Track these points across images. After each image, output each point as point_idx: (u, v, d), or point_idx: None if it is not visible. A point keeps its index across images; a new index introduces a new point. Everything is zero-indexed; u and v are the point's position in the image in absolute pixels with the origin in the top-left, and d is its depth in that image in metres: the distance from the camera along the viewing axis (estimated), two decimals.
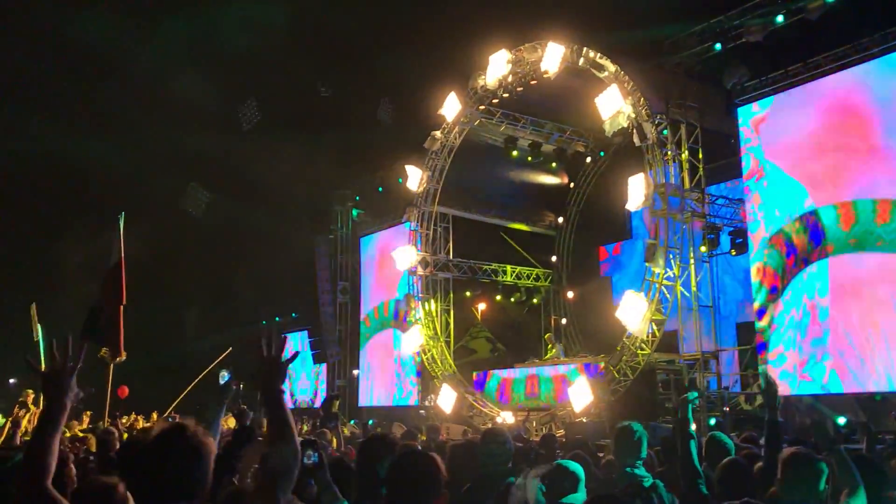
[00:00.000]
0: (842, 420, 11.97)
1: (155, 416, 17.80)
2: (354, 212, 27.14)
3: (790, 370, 14.83)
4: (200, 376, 15.97)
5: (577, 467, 4.36)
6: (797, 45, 15.21)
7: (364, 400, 25.52)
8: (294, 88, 26.24)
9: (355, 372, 26.31)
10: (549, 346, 21.34)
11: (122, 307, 10.46)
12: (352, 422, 20.15)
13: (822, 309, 14.49)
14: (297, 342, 30.47)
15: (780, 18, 14.69)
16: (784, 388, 14.66)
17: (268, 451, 2.34)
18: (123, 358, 10.50)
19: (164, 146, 25.98)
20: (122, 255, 10.84)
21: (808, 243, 14.86)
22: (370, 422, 18.11)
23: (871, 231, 13.89)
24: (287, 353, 2.48)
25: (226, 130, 25.38)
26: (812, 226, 14.84)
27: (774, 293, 15.37)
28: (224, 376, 19.26)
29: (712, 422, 14.24)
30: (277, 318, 31.92)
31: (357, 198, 27.05)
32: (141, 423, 16.67)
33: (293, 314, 30.75)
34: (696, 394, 4.61)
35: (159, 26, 24.64)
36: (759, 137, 15.93)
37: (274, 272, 28.93)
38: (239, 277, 30.23)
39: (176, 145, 25.30)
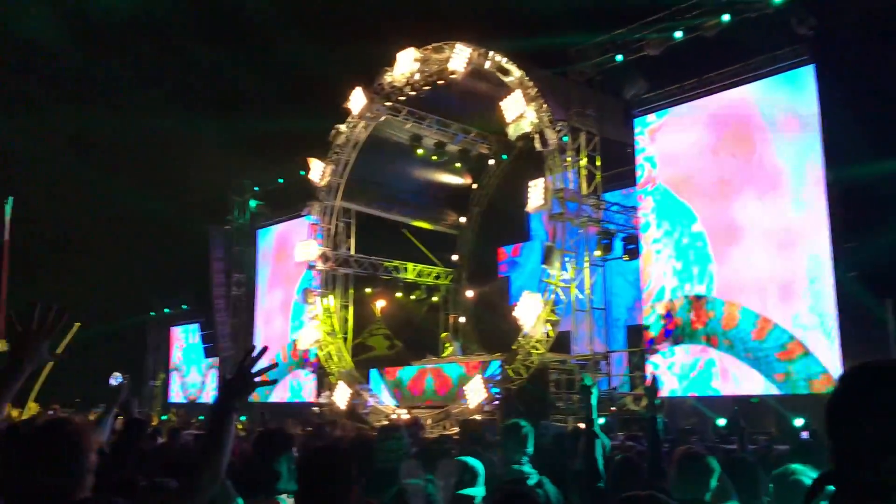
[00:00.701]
0: (721, 422, 12.59)
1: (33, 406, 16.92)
2: (253, 203, 26.53)
3: (676, 371, 15.46)
4: (51, 364, 15.21)
5: (476, 462, 4.42)
6: (693, 61, 15.87)
7: (257, 396, 25.01)
8: (196, 72, 25.47)
9: None
10: (447, 344, 21.54)
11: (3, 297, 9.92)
12: (242, 418, 19.71)
13: (710, 313, 15.17)
14: (187, 335, 29.61)
15: (678, 34, 15.30)
16: (668, 390, 15.29)
17: (197, 476, 2.23)
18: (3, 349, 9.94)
19: (55, 129, 24.73)
20: (6, 238, 10.28)
21: (694, 256, 15.54)
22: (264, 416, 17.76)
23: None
24: (261, 365, 2.36)
25: (121, 113, 24.38)
26: (699, 229, 15.52)
27: (662, 298, 15.98)
28: (116, 377, 18.50)
29: (601, 421, 14.67)
30: (167, 311, 30.91)
31: (256, 188, 26.45)
32: (16, 414, 15.80)
33: (184, 306, 29.83)
34: (596, 394, 4.67)
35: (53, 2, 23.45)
36: (654, 148, 16.55)
37: (166, 261, 27.99)
38: (129, 265, 29.08)
39: (67, 128, 24.13)
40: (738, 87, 15.26)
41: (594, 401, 4.45)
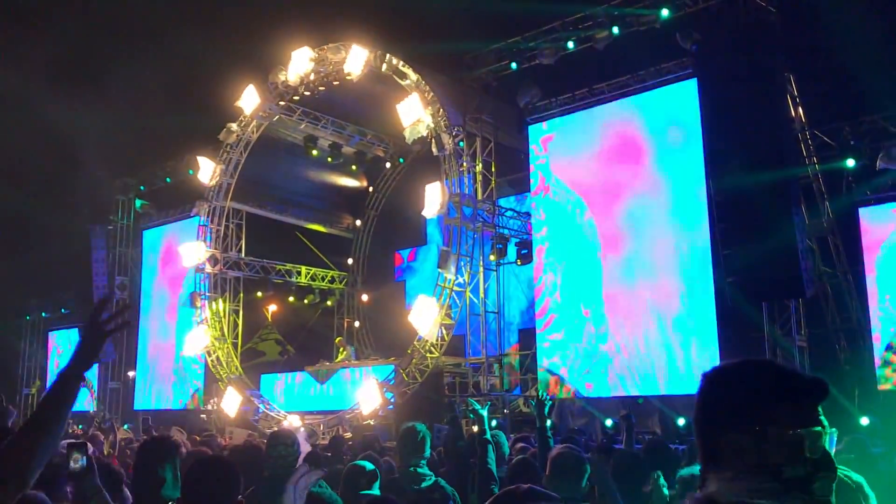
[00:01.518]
0: (609, 422, 12.96)
1: None
2: (138, 202, 25.43)
3: (565, 375, 15.81)
4: None
5: (370, 465, 4.50)
6: (584, 71, 16.32)
7: (141, 402, 24.00)
8: (79, 63, 24.22)
9: (131, 373, 24.68)
10: (341, 349, 21.31)
11: None
12: (125, 426, 18.87)
13: (595, 317, 15.59)
14: (65, 340, 28.13)
15: (570, 44, 15.68)
16: (557, 390, 15.64)
17: (31, 428, 1.97)
18: None
19: None
20: None
21: (585, 254, 15.95)
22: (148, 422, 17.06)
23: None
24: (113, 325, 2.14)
25: None
26: (589, 235, 15.95)
27: (552, 297, 16.32)
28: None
29: (493, 423, 14.83)
30: (45, 314, 29.29)
31: (142, 188, 25.39)
32: None
33: (63, 309, 28.32)
34: (486, 407, 4.94)
35: None
36: (547, 155, 16.90)
37: (43, 263, 26.47)
38: (2, 266, 27.35)
39: None
40: (626, 97, 15.78)
41: (485, 411, 4.88)
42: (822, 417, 1.45)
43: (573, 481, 3.71)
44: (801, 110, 14.03)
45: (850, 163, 14.00)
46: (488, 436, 4.67)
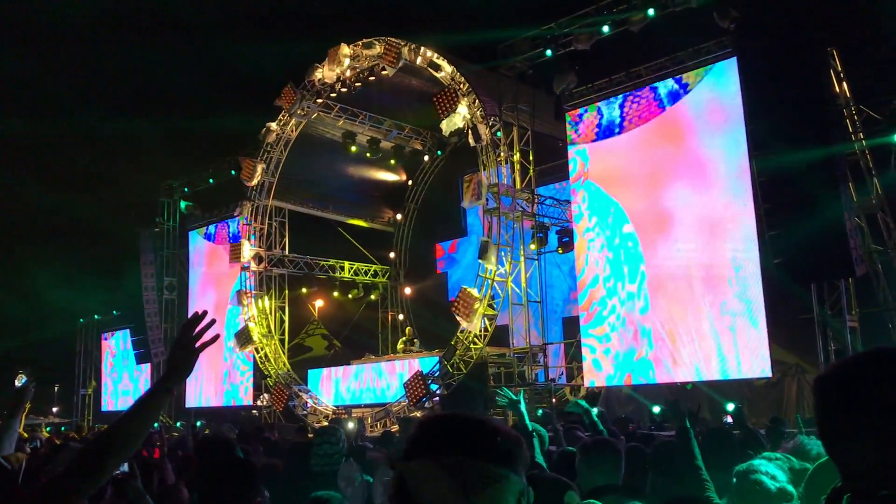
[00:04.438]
0: (656, 409, 12.84)
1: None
2: (183, 204, 25.90)
3: (611, 361, 15.68)
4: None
5: None
6: (621, 55, 16.10)
7: (192, 401, 24.48)
8: (123, 70, 24.72)
9: None
10: (406, 338, 20.71)
11: None
12: (178, 424, 19.30)
13: (641, 304, 15.43)
14: (118, 342, 28.79)
15: (605, 29, 15.48)
16: (605, 377, 15.55)
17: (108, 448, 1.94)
18: None
19: None
20: None
21: (625, 256, 15.79)
22: (198, 423, 17.44)
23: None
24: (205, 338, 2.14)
25: (42, 111, 23.49)
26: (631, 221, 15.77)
27: (596, 288, 16.18)
28: (21, 379, 17.84)
29: (539, 412, 14.82)
30: (97, 317, 30.00)
31: (186, 189, 25.84)
32: None
33: (114, 311, 28.98)
34: (520, 394, 4.80)
35: None
36: (585, 142, 16.73)
37: (93, 266, 27.11)
38: (55, 271, 28.09)
39: None
40: (664, 79, 15.54)
41: (521, 399, 4.68)
42: None
43: (607, 471, 3.67)
44: (845, 85, 13.66)
45: None
46: (529, 426, 4.48)
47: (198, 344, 2.10)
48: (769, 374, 13.77)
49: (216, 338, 2.11)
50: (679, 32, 15.14)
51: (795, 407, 13.86)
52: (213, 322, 2.12)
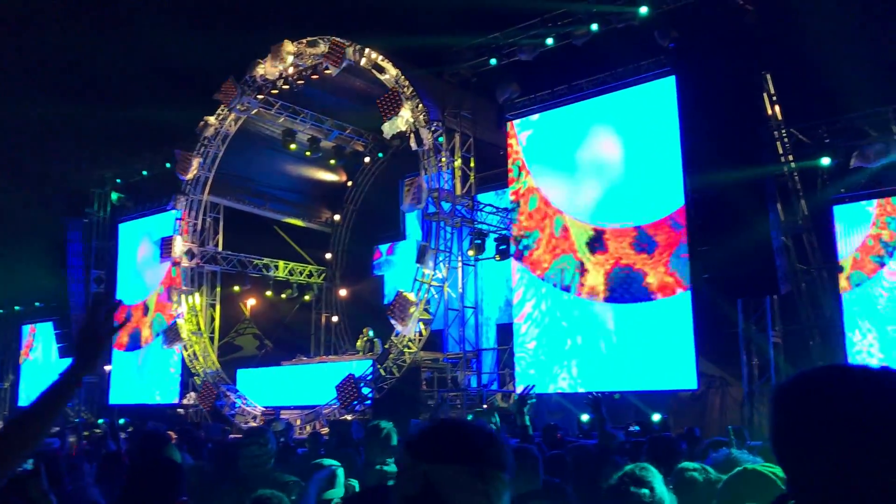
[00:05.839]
0: (585, 417, 13.02)
1: None
2: (114, 195, 25.17)
3: (542, 370, 15.85)
4: None
5: (332, 462, 4.36)
6: (564, 68, 16.33)
7: (117, 398, 23.77)
8: (55, 55, 23.90)
9: (107, 367, 24.45)
10: (365, 338, 20.27)
11: None
12: (100, 421, 18.71)
13: (575, 312, 15.65)
14: (40, 334, 27.81)
15: (549, 41, 15.68)
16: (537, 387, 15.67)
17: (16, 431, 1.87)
18: None
19: None
20: None
21: (563, 251, 15.99)
22: (121, 421, 16.94)
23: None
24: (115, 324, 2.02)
25: None
26: (567, 231, 15.98)
27: (531, 296, 16.34)
28: None
29: (470, 418, 14.87)
30: (18, 308, 28.91)
31: (118, 180, 25.11)
32: None
33: (37, 303, 27.97)
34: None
35: None
36: (526, 151, 16.90)
37: (15, 256, 26.10)
38: None
39: None
40: (605, 94, 15.81)
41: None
42: None
43: (528, 478, 3.73)
44: (777, 108, 14.13)
45: (825, 161, 14.12)
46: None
47: (107, 329, 2.01)
48: (696, 387, 14.12)
49: (125, 322, 2.04)
50: (621, 48, 15.45)
51: (718, 419, 14.25)
52: (117, 305, 2.04)
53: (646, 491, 2.86)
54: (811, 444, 1.27)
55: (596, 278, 15.42)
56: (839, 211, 14.43)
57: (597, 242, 15.49)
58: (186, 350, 19.82)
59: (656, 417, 12.75)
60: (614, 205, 15.40)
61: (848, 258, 14.36)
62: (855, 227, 14.25)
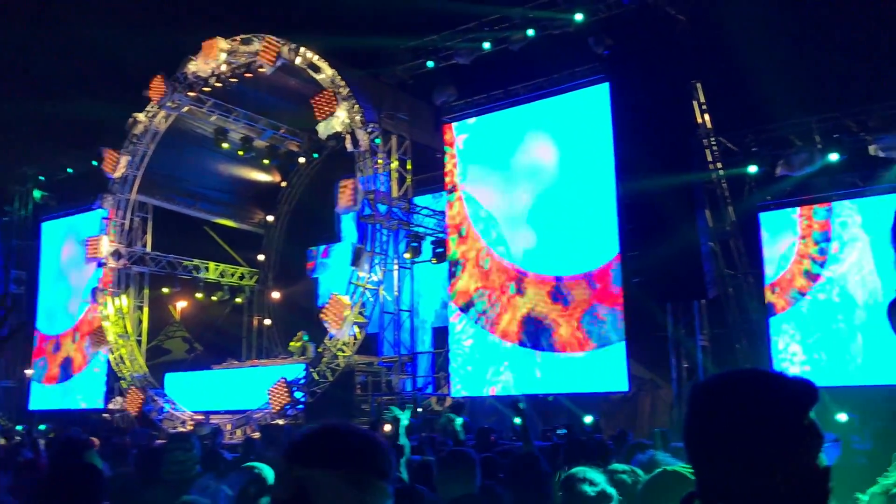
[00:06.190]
0: (518, 420, 13.08)
1: None
2: (37, 193, 24.24)
3: (478, 373, 15.89)
4: None
5: (264, 469, 4.24)
6: (501, 72, 16.43)
7: (38, 403, 22.89)
8: None
9: (28, 372, 23.51)
10: (296, 342, 19.98)
11: None
12: (18, 427, 17.97)
13: (509, 316, 15.72)
14: None
15: (486, 45, 15.76)
16: (469, 389, 15.72)
17: None
18: None
19: None
20: None
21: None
22: (41, 427, 16.33)
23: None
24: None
25: None
26: (502, 235, 16.07)
27: (466, 299, 16.38)
28: None
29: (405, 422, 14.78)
30: None
31: (41, 178, 24.20)
32: None
33: None
34: (405, 413, 4.81)
35: None
36: (463, 154, 16.94)
37: None
38: None
39: None
40: (540, 100, 15.97)
41: (405, 417, 4.69)
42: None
43: (464, 481, 3.70)
44: (707, 117, 14.48)
45: (752, 169, 14.53)
46: (403, 441, 4.54)
47: (3, 333, 1.95)
48: (627, 389, 14.34)
49: (22, 326, 1.97)
50: (556, 54, 15.62)
51: (649, 420, 14.51)
52: (9, 305, 1.95)
53: (589, 488, 2.96)
54: (714, 443, 1.33)
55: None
56: (765, 218, 14.84)
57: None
58: (113, 353, 19.23)
59: (588, 419, 12.90)
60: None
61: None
62: (780, 234, 14.68)
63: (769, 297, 14.49)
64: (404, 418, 4.68)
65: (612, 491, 3.13)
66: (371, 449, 1.47)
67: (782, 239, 14.63)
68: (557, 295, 15.05)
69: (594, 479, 3.15)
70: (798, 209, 14.53)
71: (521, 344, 15.31)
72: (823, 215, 14.24)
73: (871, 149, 13.29)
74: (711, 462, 1.34)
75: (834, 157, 13.57)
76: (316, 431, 1.51)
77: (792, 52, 13.25)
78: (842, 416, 11.02)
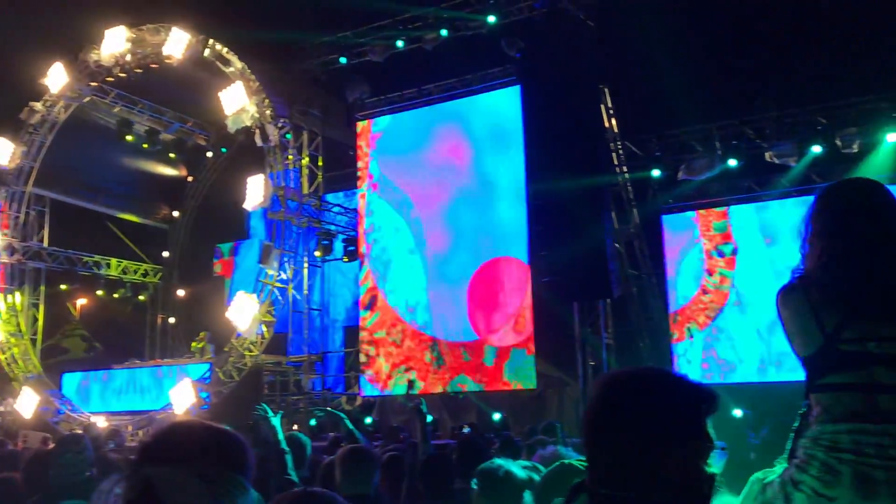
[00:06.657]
0: (429, 418, 13.13)
1: None
2: None
3: (388, 372, 15.86)
4: None
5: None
6: (414, 71, 16.43)
7: None
8: None
9: None
10: (199, 343, 19.42)
11: None
12: None
13: (420, 315, 15.76)
14: None
15: (400, 43, 15.73)
16: (379, 388, 15.69)
17: None
18: None
19: None
20: None
21: (411, 252, 16.08)
22: None
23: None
24: None
25: None
26: (415, 233, 16.10)
27: (378, 299, 16.34)
28: None
29: (313, 422, 14.65)
30: None
31: None
32: None
33: None
34: (278, 416, 4.75)
35: None
36: (375, 152, 16.88)
37: None
38: None
39: None
40: (453, 100, 16.06)
41: (277, 420, 4.63)
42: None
43: (365, 477, 3.71)
44: (613, 121, 14.86)
45: (656, 173, 15.01)
46: (284, 445, 4.49)
47: None
48: (535, 386, 14.58)
49: None
50: (469, 55, 15.73)
51: (557, 417, 14.79)
52: None
53: (507, 475, 3.07)
54: (608, 434, 1.39)
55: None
56: (667, 219, 15.34)
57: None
58: (4, 353, 18.31)
59: (497, 416, 13.06)
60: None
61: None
62: (679, 233, 15.22)
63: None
64: (275, 420, 4.63)
65: (528, 476, 3.15)
66: (218, 443, 1.47)
67: (682, 237, 15.17)
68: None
69: (510, 468, 3.19)
70: (694, 212, 15.09)
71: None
72: (722, 224, 14.84)
73: (767, 155, 13.93)
74: (603, 451, 1.39)
75: (732, 162, 14.14)
76: (164, 430, 1.51)
77: (695, 60, 13.72)
78: (737, 412, 11.58)
